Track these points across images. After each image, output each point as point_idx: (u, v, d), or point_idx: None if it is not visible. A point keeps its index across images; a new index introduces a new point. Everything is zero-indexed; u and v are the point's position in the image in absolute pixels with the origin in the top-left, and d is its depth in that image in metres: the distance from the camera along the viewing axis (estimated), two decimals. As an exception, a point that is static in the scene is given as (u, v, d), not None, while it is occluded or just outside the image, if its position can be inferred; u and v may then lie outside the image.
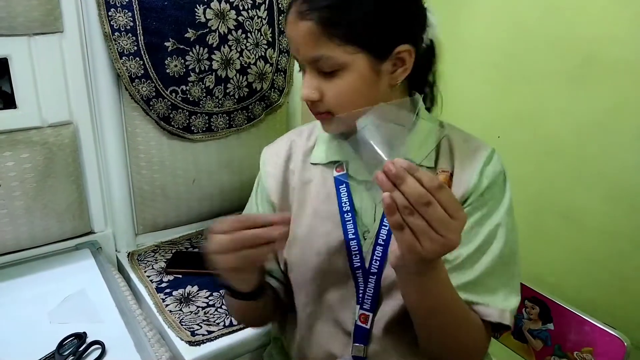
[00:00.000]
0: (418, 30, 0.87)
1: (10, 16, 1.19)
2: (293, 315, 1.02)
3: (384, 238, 0.89)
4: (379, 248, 0.89)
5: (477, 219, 0.86)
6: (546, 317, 1.12)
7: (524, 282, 1.12)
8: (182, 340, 1.15)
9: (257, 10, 1.51)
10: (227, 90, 1.52)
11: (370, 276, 0.90)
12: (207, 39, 1.43)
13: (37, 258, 1.39)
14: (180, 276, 1.41)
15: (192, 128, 1.50)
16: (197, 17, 1.40)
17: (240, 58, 1.51)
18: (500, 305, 0.85)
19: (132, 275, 1.42)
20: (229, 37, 1.47)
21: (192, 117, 1.49)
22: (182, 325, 1.20)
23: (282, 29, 1.59)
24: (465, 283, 0.85)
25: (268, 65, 1.58)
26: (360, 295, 0.92)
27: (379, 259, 0.89)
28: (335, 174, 0.97)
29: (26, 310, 1.18)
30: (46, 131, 1.30)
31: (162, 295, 1.32)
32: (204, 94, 1.47)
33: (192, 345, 1.14)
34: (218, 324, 1.21)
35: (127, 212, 1.54)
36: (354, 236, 0.91)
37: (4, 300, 1.22)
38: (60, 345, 1.04)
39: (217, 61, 1.46)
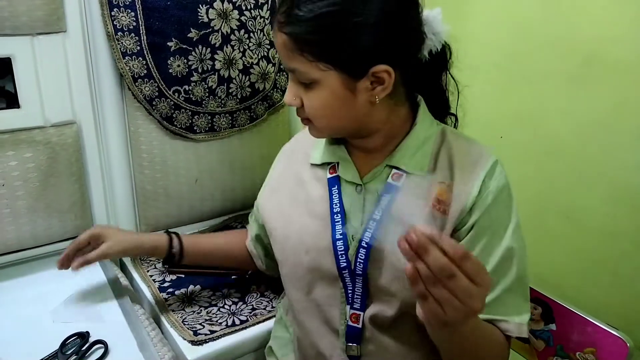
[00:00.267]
0: (401, 51, 0.85)
1: (14, 16, 1.19)
2: (289, 312, 1.05)
3: (367, 241, 0.89)
4: (362, 250, 0.89)
5: (488, 240, 0.86)
6: (548, 317, 1.12)
7: (526, 282, 1.12)
8: (185, 339, 1.15)
9: (260, 10, 1.51)
10: (230, 90, 1.52)
11: (357, 277, 0.91)
12: (209, 39, 1.43)
13: (39, 257, 1.39)
14: (183, 276, 1.41)
15: (195, 128, 1.50)
16: (199, 17, 1.40)
17: (243, 58, 1.51)
18: (518, 319, 0.86)
19: (135, 275, 1.42)
20: (232, 37, 1.47)
21: (195, 117, 1.49)
22: (184, 324, 1.20)
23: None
24: (486, 304, 0.85)
25: (270, 65, 1.58)
26: (350, 295, 0.92)
27: (362, 261, 0.89)
28: (329, 175, 0.98)
29: (29, 309, 1.18)
30: (49, 131, 1.31)
31: (164, 295, 1.32)
32: (207, 94, 1.47)
33: (195, 345, 1.14)
34: (220, 323, 1.21)
35: (129, 212, 1.54)
36: (341, 237, 0.91)
37: (6, 299, 1.22)
38: (63, 344, 1.04)
39: (220, 61, 1.46)
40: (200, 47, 1.42)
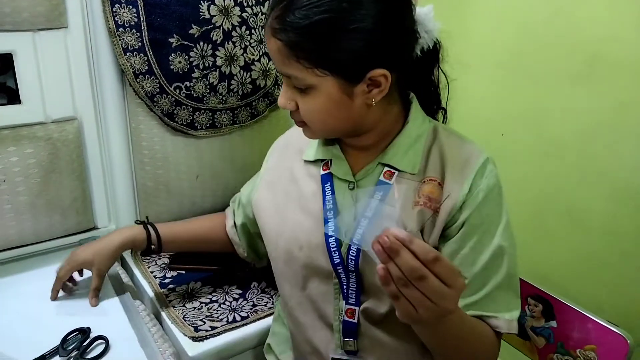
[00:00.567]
0: (396, 54, 0.84)
1: (15, 11, 1.19)
2: (283, 308, 1.07)
3: (359, 238, 0.89)
4: (353, 247, 0.90)
5: (478, 238, 0.87)
6: (549, 314, 1.12)
7: (527, 280, 1.13)
8: (186, 335, 1.15)
9: (261, 7, 1.51)
10: (231, 87, 1.52)
11: (350, 273, 0.91)
12: (211, 35, 1.43)
13: (40, 253, 1.40)
14: (184, 272, 1.41)
15: (196, 124, 1.50)
16: (201, 13, 1.40)
17: (244, 54, 1.51)
18: (508, 316, 0.87)
19: (136, 271, 1.42)
20: (233, 33, 1.47)
21: (196, 113, 1.49)
22: (185, 320, 1.20)
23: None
24: (475, 301, 0.86)
25: (272, 62, 1.58)
26: (345, 290, 0.93)
27: (354, 258, 0.90)
28: (322, 172, 0.98)
29: (30, 305, 1.18)
30: (50, 127, 1.31)
31: (165, 291, 1.32)
32: (208, 91, 1.47)
33: (196, 341, 1.14)
34: (221, 319, 1.21)
35: (130, 208, 1.54)
36: (333, 233, 0.92)
37: (8, 295, 1.22)
38: (64, 340, 1.04)
39: (221, 57, 1.46)
40: (201, 43, 1.42)
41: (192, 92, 1.45)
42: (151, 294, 1.32)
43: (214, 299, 1.30)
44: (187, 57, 1.41)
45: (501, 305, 0.87)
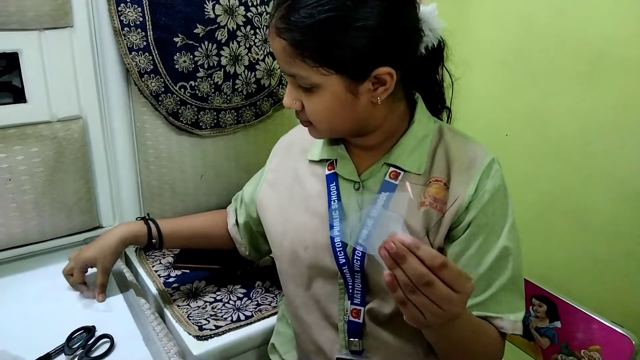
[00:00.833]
0: (401, 52, 0.84)
1: (21, 11, 1.19)
2: (287, 308, 1.07)
3: (364, 238, 0.90)
4: (359, 247, 0.90)
5: (484, 239, 0.87)
6: (553, 315, 1.12)
7: (531, 280, 1.12)
8: (190, 334, 1.16)
9: (266, 7, 1.51)
10: (236, 86, 1.52)
11: (356, 273, 0.91)
12: (216, 35, 1.43)
13: (45, 252, 1.40)
14: (188, 271, 1.41)
15: (201, 124, 1.50)
16: (206, 13, 1.40)
17: (249, 54, 1.51)
18: (513, 317, 0.87)
19: (140, 270, 1.43)
20: (238, 33, 1.47)
21: (201, 112, 1.49)
22: (189, 319, 1.21)
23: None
24: (480, 302, 0.87)
25: (276, 61, 1.58)
26: (350, 290, 0.93)
27: (359, 258, 0.90)
28: (327, 172, 0.98)
29: (35, 303, 1.19)
30: (55, 126, 1.31)
31: (169, 290, 1.32)
32: (213, 90, 1.48)
33: (200, 340, 1.14)
34: (226, 318, 1.22)
35: (135, 207, 1.54)
36: (339, 233, 0.92)
37: (13, 293, 1.22)
38: (70, 338, 1.05)
39: (226, 57, 1.46)
40: (206, 43, 1.42)
41: (197, 92, 1.45)
42: (155, 292, 1.32)
43: (218, 298, 1.30)
44: (192, 56, 1.41)
45: (506, 306, 0.87)
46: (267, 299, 1.30)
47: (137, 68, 1.36)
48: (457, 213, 0.87)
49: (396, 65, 0.82)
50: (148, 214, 1.30)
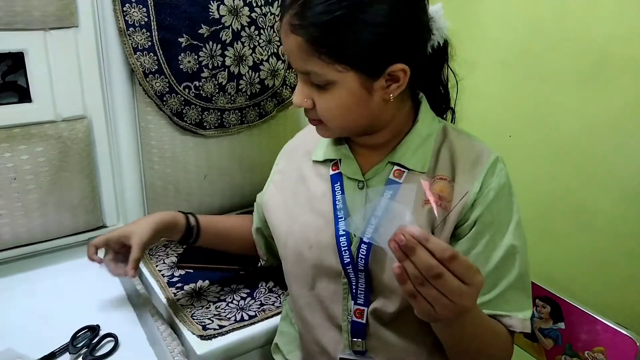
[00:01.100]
0: (414, 48, 0.85)
1: (27, 11, 1.20)
2: (293, 307, 1.07)
3: (372, 235, 0.90)
4: (363, 246, 0.90)
5: (490, 237, 0.87)
6: (557, 316, 1.12)
7: (535, 281, 1.12)
8: (194, 334, 1.16)
9: (270, 7, 1.51)
10: (240, 87, 1.52)
11: (360, 273, 0.91)
12: (220, 35, 1.43)
13: (50, 251, 1.40)
14: (192, 271, 1.41)
15: (205, 124, 1.51)
16: (210, 13, 1.40)
17: (253, 54, 1.51)
18: (521, 315, 0.87)
19: (144, 270, 1.43)
20: (242, 33, 1.47)
21: (205, 112, 1.49)
22: (193, 319, 1.21)
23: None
24: (489, 300, 0.86)
25: (280, 62, 1.58)
26: (354, 290, 0.93)
27: (363, 257, 0.90)
28: (331, 172, 0.98)
29: (40, 302, 1.19)
30: (60, 125, 1.31)
31: (173, 290, 1.33)
32: (217, 90, 1.48)
33: (204, 340, 1.14)
34: (229, 318, 1.22)
35: (139, 207, 1.55)
36: (344, 233, 0.92)
37: (18, 292, 1.23)
38: (74, 337, 1.05)
39: (230, 57, 1.47)
40: (210, 43, 1.43)
41: (201, 92, 1.46)
42: (159, 292, 1.32)
43: (221, 298, 1.30)
44: (196, 56, 1.42)
45: (514, 304, 0.87)
46: (270, 299, 1.30)
47: (142, 68, 1.36)
48: (463, 211, 0.87)
49: (409, 62, 0.82)
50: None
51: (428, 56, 0.91)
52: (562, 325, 1.12)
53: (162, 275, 1.39)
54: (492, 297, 0.86)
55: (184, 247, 1.53)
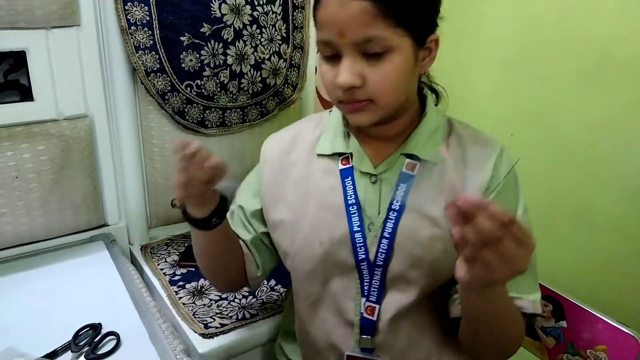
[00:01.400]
0: (437, 19, 0.87)
1: (29, 9, 1.20)
2: (297, 305, 1.05)
3: (390, 232, 0.90)
4: (384, 241, 0.90)
5: None
6: (559, 314, 1.12)
7: (537, 280, 1.12)
8: (196, 332, 1.16)
9: (272, 6, 1.51)
10: (242, 86, 1.52)
11: (376, 269, 0.91)
12: (222, 34, 1.43)
13: (52, 250, 1.40)
14: (193, 269, 1.41)
15: (207, 123, 1.51)
16: (212, 12, 1.40)
17: (255, 53, 1.51)
18: (531, 297, 0.89)
19: (146, 268, 1.43)
20: (244, 32, 1.47)
21: (207, 111, 1.49)
22: (195, 317, 1.21)
23: (296, 25, 1.59)
24: None
25: (282, 60, 1.58)
26: (366, 287, 0.92)
27: (384, 252, 0.90)
28: (341, 166, 0.97)
29: (42, 301, 1.19)
30: (62, 124, 1.31)
31: (175, 288, 1.33)
32: (219, 89, 1.48)
33: (206, 338, 1.15)
34: (231, 317, 1.22)
35: (140, 205, 1.55)
36: (359, 229, 0.91)
37: (20, 291, 1.23)
38: (76, 335, 1.05)
39: (232, 56, 1.47)
40: (212, 42, 1.43)
41: (203, 91, 1.46)
42: (161, 291, 1.32)
43: (223, 296, 1.30)
44: (198, 55, 1.42)
45: (524, 288, 0.89)
46: (272, 297, 1.31)
47: (144, 67, 1.36)
48: None
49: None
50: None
51: None
52: (564, 323, 1.12)
53: (164, 273, 1.40)
54: None
55: (186, 245, 1.54)
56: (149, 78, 1.38)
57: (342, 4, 0.79)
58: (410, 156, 0.92)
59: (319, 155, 1.00)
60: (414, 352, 0.94)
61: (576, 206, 1.41)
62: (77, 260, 1.37)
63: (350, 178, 0.94)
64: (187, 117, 1.47)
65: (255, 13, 1.48)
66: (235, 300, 1.29)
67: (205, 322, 1.19)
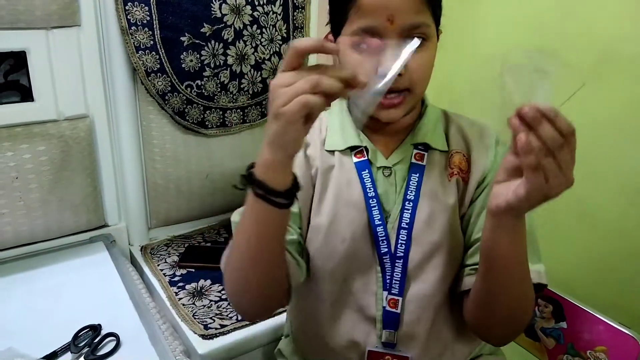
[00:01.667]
0: None
1: (29, 10, 1.20)
2: (311, 307, 1.01)
3: (407, 222, 0.90)
4: (403, 232, 0.90)
5: None
6: (559, 315, 1.12)
7: (537, 281, 1.12)
8: (195, 333, 1.16)
9: (272, 6, 1.51)
10: (242, 86, 1.52)
11: (397, 260, 0.90)
12: (222, 34, 1.43)
13: (51, 250, 1.40)
14: (193, 270, 1.41)
15: (207, 123, 1.51)
16: (212, 12, 1.40)
17: (255, 53, 1.51)
18: (536, 267, 0.88)
19: (145, 269, 1.43)
20: (244, 32, 1.47)
21: (207, 112, 1.49)
22: (195, 318, 1.21)
23: (296, 25, 1.59)
24: None
25: (282, 60, 1.58)
26: (388, 280, 0.91)
27: (404, 242, 0.90)
28: (355, 160, 0.95)
29: (41, 301, 1.19)
30: (62, 124, 1.31)
31: (175, 289, 1.33)
32: (219, 89, 1.48)
33: (205, 339, 1.15)
34: (231, 318, 1.22)
35: (140, 206, 1.55)
36: (380, 222, 0.90)
37: (19, 291, 1.23)
38: (76, 336, 1.05)
39: (232, 56, 1.47)
40: (212, 42, 1.43)
41: (203, 91, 1.46)
42: (161, 291, 1.32)
43: (223, 297, 1.30)
44: (198, 55, 1.41)
45: (528, 256, 0.88)
46: (272, 298, 1.30)
47: (144, 67, 1.36)
48: (480, 179, 0.92)
49: None
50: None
51: None
52: (564, 324, 1.12)
53: (164, 274, 1.39)
54: None
55: (186, 246, 1.54)
56: (149, 78, 1.38)
57: None
58: (417, 146, 0.93)
59: (329, 151, 0.97)
60: (434, 344, 0.93)
61: (576, 206, 1.41)
62: (77, 261, 1.37)
63: (367, 171, 0.93)
64: (187, 118, 1.46)
65: (255, 13, 1.48)
66: (235, 300, 1.28)
67: (205, 323, 1.19)
